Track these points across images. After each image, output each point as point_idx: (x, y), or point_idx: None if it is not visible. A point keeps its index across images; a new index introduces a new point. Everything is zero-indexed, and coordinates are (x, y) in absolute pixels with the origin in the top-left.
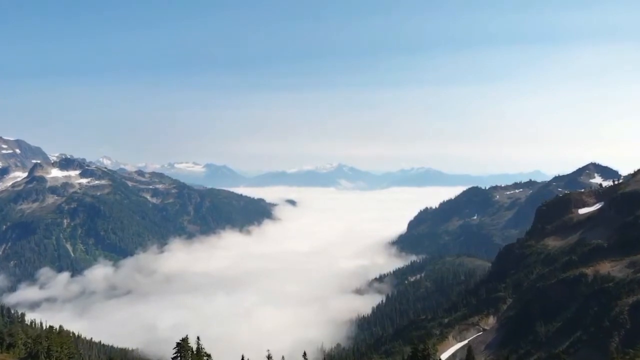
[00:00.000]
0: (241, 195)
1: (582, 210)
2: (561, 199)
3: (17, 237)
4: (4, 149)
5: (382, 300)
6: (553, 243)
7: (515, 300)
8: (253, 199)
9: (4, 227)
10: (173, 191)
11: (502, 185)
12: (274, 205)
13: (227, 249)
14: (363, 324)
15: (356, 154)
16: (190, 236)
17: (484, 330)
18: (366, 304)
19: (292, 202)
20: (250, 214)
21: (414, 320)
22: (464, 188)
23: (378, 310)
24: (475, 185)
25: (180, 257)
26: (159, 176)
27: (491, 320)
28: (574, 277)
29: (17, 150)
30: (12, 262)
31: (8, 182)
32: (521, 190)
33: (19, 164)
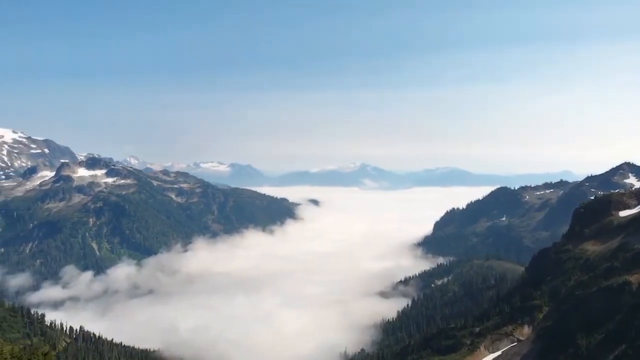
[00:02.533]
0: (264, 194)
1: (623, 213)
2: (600, 200)
3: (43, 235)
4: (33, 148)
5: (407, 304)
6: (592, 248)
7: (553, 309)
8: (276, 198)
9: (31, 225)
10: (197, 190)
11: (532, 186)
12: (296, 204)
13: (249, 248)
14: (388, 329)
15: (379, 154)
16: (213, 235)
17: (519, 341)
18: (391, 308)
19: (314, 202)
20: (273, 213)
21: (443, 329)
22: (490, 188)
23: (403, 314)
24: (501, 185)
25: (203, 256)
26: (183, 175)
27: (526, 330)
28: (617, 286)
29: (46, 150)
30: (38, 261)
31: (36, 181)
32: (552, 190)
33: (47, 163)
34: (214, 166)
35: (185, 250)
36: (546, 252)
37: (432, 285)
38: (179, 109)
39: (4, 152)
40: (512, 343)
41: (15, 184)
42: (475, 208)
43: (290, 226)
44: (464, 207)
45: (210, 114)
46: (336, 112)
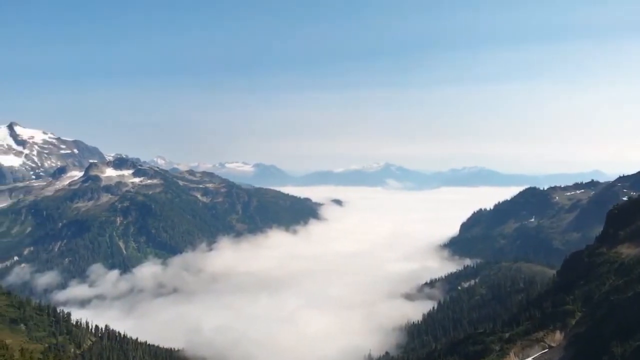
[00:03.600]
0: (288, 194)
1: None
2: (635, 201)
3: (72, 234)
4: (62, 149)
5: (433, 307)
6: (627, 251)
7: (586, 314)
8: (299, 198)
9: (60, 224)
10: (222, 190)
11: (562, 186)
12: (320, 204)
13: (272, 248)
14: (413, 332)
15: (404, 153)
16: (238, 235)
17: (550, 347)
18: (416, 311)
19: (338, 202)
20: (297, 213)
21: (471, 334)
22: (519, 188)
23: (429, 317)
24: (530, 185)
25: (227, 256)
26: (209, 175)
27: (558, 336)
28: None
29: (75, 151)
30: (66, 259)
31: (65, 181)
32: (582, 191)
33: (76, 163)
34: (239, 166)
35: (210, 250)
36: (579, 255)
37: (459, 288)
38: (205, 110)
39: (35, 152)
40: (543, 350)
41: (45, 183)
42: (503, 209)
43: (314, 226)
44: (492, 207)
45: (236, 114)
46: (360, 112)
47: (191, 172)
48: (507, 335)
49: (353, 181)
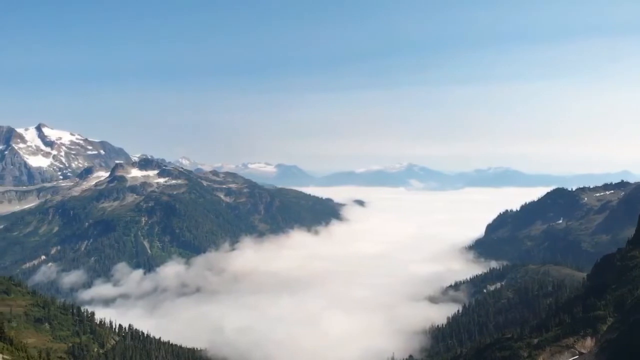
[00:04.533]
0: (309, 195)
1: None
2: None
3: (98, 234)
4: (89, 150)
5: (458, 310)
6: None
7: (618, 320)
8: (321, 198)
9: (86, 224)
10: (245, 190)
11: (590, 187)
12: (342, 205)
13: (294, 248)
14: (437, 335)
15: (427, 153)
16: (260, 235)
17: (581, 354)
18: (440, 314)
19: (360, 203)
20: (318, 213)
21: (498, 339)
22: (545, 189)
23: (454, 320)
24: (556, 186)
25: (249, 255)
26: (232, 176)
27: (589, 342)
28: None
29: (102, 151)
30: (92, 258)
31: (92, 182)
32: (612, 192)
33: (102, 164)
34: (261, 167)
35: (233, 249)
36: (610, 259)
37: (484, 291)
38: (229, 111)
39: (62, 153)
40: (573, 357)
41: (72, 184)
42: (530, 210)
43: (336, 227)
44: (518, 209)
45: (259, 115)
46: (382, 112)
47: (215, 172)
48: (535, 341)
49: (375, 181)
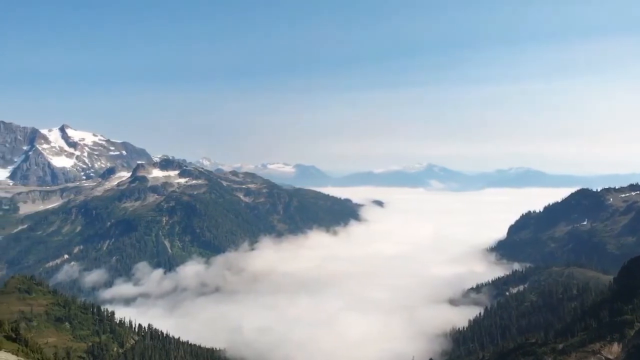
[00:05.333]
0: (327, 195)
1: None
2: None
3: (119, 233)
4: (111, 150)
5: (479, 313)
6: None
7: None
8: (339, 199)
9: (109, 224)
10: (264, 191)
11: (616, 187)
12: (360, 205)
13: (312, 249)
14: (458, 339)
15: (447, 153)
16: (279, 235)
17: None
18: (461, 316)
19: (379, 203)
20: (337, 214)
21: (521, 343)
22: (568, 190)
23: (475, 323)
24: (580, 186)
25: (268, 255)
26: (251, 176)
27: (615, 348)
28: None
29: (124, 152)
30: (114, 258)
31: (114, 182)
32: (638, 192)
33: (125, 164)
34: (280, 167)
35: (252, 249)
36: (638, 261)
37: (507, 294)
38: (249, 112)
39: (85, 154)
40: None
41: (95, 184)
42: (553, 211)
43: (354, 227)
44: (541, 210)
45: (277, 116)
46: (402, 112)
47: (234, 172)
48: (560, 346)
49: (394, 182)
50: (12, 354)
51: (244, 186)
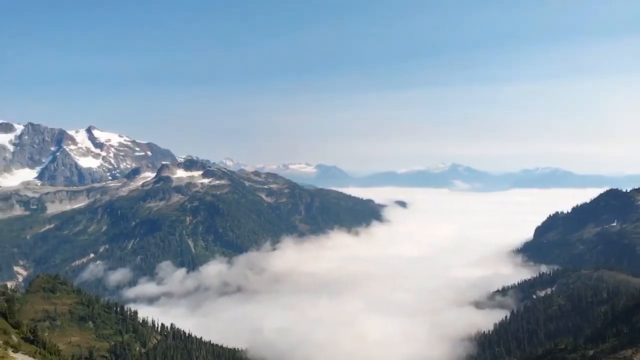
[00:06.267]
0: (349, 195)
1: None
2: None
3: (144, 233)
4: (137, 151)
5: (505, 317)
6: None
7: None
8: (361, 199)
9: (133, 223)
10: (285, 191)
11: None
12: (382, 206)
13: (334, 249)
14: (484, 342)
15: (472, 153)
16: (300, 235)
17: None
18: (487, 320)
19: (401, 204)
20: (358, 214)
21: (550, 349)
22: (597, 190)
23: (501, 327)
24: (609, 187)
25: (289, 256)
26: (273, 176)
27: None
28: None
29: (149, 153)
30: (138, 257)
31: (139, 182)
32: None
33: (150, 165)
34: (302, 167)
35: (274, 249)
36: None
37: (534, 297)
38: (271, 113)
39: (111, 154)
40: None
41: (120, 184)
42: (582, 212)
43: (376, 228)
44: (569, 211)
45: (299, 116)
46: (425, 111)
47: (256, 173)
48: (591, 352)
49: (417, 182)
50: (30, 356)
51: (266, 186)
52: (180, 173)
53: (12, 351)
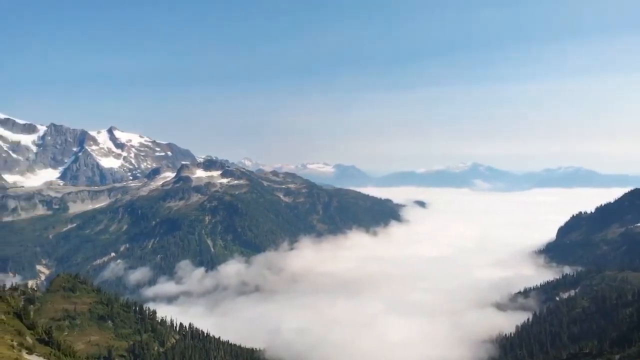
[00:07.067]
0: (367, 195)
1: None
2: None
3: (164, 232)
4: (157, 151)
5: (528, 319)
6: None
7: None
8: (380, 199)
9: (153, 223)
10: (303, 191)
11: None
12: (401, 206)
13: (352, 249)
14: (505, 345)
15: (493, 153)
16: (318, 235)
17: None
18: (509, 322)
19: (421, 204)
20: (377, 214)
21: (574, 353)
22: (622, 190)
23: (523, 329)
24: (635, 186)
25: (307, 255)
26: (291, 176)
27: None
28: None
29: (169, 153)
30: (158, 256)
31: (159, 182)
32: None
33: (169, 165)
34: (320, 167)
35: (292, 249)
36: None
37: (557, 299)
38: (290, 112)
39: (132, 154)
40: None
41: (141, 184)
42: (606, 212)
43: (395, 228)
44: (592, 210)
45: (317, 116)
46: (445, 110)
47: (274, 172)
48: (617, 357)
49: (437, 182)
50: (45, 358)
51: (283, 186)
52: (200, 173)
53: (27, 353)
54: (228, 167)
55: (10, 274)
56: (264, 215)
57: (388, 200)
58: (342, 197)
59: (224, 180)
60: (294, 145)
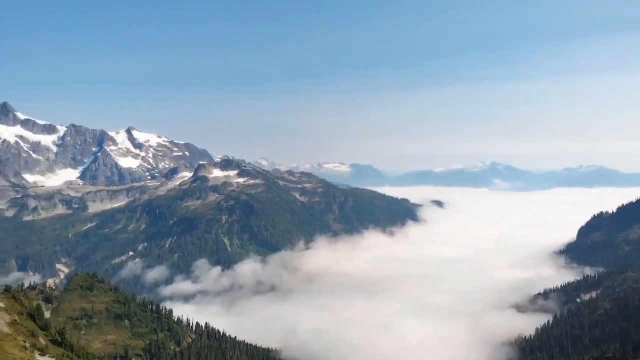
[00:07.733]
0: (384, 195)
1: None
2: None
3: (181, 231)
4: (175, 151)
5: (548, 321)
6: None
7: None
8: (396, 199)
9: (171, 222)
10: (319, 190)
11: None
12: (418, 206)
13: (368, 249)
14: (525, 348)
15: (512, 152)
16: (334, 235)
17: None
18: (529, 324)
19: (438, 203)
20: (393, 214)
21: (597, 357)
22: None
23: (544, 332)
24: None
25: (323, 255)
26: (307, 176)
27: None
28: None
29: (187, 153)
30: (176, 255)
31: (177, 182)
32: None
33: (187, 165)
34: (336, 167)
35: (307, 249)
36: None
37: (578, 301)
38: (306, 112)
39: (150, 155)
40: None
41: (159, 184)
42: (629, 212)
43: (412, 228)
44: (614, 211)
45: (334, 115)
46: (463, 109)
47: (290, 172)
48: None
49: (455, 181)
50: (57, 359)
51: (300, 186)
52: (217, 173)
53: (39, 354)
54: (245, 167)
55: (31, 273)
56: (280, 215)
57: (405, 200)
58: (358, 196)
59: (241, 180)
60: (311, 145)
